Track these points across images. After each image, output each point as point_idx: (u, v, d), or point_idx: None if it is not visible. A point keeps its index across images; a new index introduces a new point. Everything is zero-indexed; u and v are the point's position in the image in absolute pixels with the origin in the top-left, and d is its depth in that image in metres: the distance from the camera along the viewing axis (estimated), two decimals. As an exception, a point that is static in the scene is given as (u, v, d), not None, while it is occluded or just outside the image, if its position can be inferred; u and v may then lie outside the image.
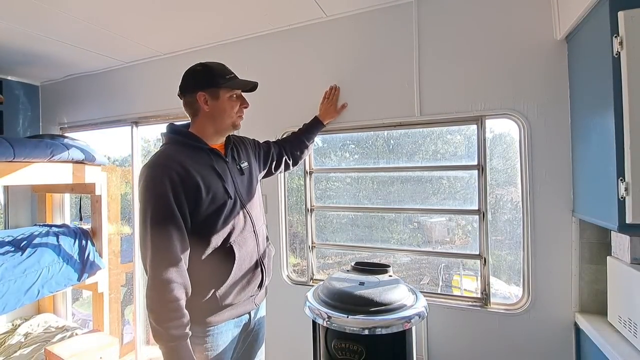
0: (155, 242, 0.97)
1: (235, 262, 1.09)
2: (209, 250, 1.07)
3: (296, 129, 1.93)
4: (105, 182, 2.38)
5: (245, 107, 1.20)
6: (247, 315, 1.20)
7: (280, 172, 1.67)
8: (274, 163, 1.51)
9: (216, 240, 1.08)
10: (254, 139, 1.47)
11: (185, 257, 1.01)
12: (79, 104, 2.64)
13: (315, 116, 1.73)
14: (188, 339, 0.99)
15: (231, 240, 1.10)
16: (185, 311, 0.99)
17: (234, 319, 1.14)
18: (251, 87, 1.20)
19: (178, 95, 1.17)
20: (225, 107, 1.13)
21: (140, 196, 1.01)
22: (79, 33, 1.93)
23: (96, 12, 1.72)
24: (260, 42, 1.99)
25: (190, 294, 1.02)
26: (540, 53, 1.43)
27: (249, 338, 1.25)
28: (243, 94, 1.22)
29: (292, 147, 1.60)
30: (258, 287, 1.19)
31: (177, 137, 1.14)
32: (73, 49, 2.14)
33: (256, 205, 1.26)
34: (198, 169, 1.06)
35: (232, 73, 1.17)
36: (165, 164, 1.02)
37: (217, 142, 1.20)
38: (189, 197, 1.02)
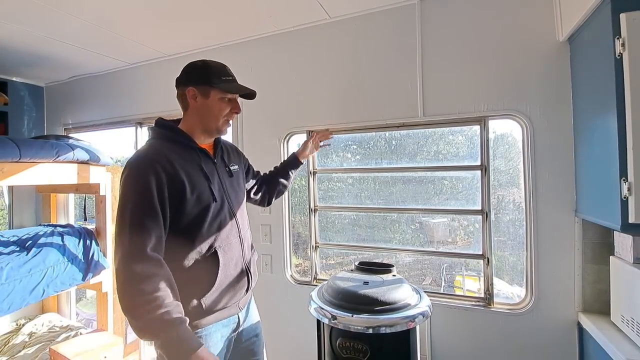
0: (133, 238, 0.89)
1: (220, 268, 1.04)
2: (193, 255, 1.02)
3: (300, 130, 1.94)
4: (109, 182, 2.39)
5: (236, 113, 1.14)
6: (236, 317, 1.15)
7: (253, 202, 1.49)
8: (255, 187, 1.44)
9: (200, 244, 1.02)
10: (243, 154, 1.41)
11: (160, 254, 0.94)
12: (83, 105, 2.66)
13: (293, 153, 1.60)
14: (187, 324, 0.89)
15: (216, 245, 1.05)
16: (174, 300, 0.90)
17: (221, 320, 1.09)
18: (247, 93, 1.15)
19: (175, 86, 1.14)
20: (213, 107, 1.08)
21: (122, 190, 0.95)
22: (83, 34, 1.95)
23: (101, 14, 1.73)
24: (264, 43, 2.01)
25: (175, 289, 0.94)
26: (543, 54, 1.44)
27: (241, 340, 1.19)
28: (241, 99, 1.18)
29: (270, 186, 1.50)
30: (245, 292, 1.15)
31: (166, 132, 1.08)
32: (78, 50, 2.16)
33: (243, 209, 1.22)
34: (184, 167, 1.02)
35: (231, 76, 1.12)
36: (151, 158, 0.97)
37: (206, 142, 1.15)
38: (173, 194, 0.97)
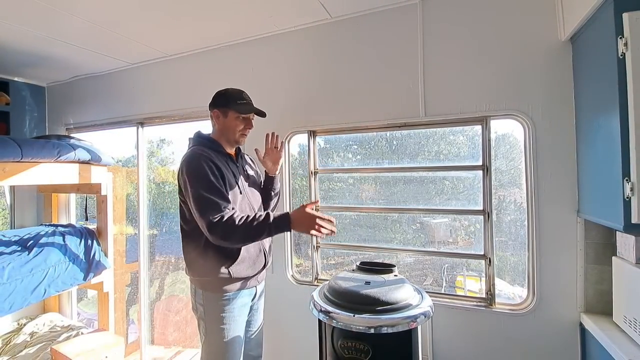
0: (211, 205, 1.22)
1: (243, 247, 1.34)
2: None
3: (301, 130, 1.95)
4: (111, 182, 2.39)
5: (249, 129, 1.46)
6: (254, 289, 1.48)
7: None
8: None
9: None
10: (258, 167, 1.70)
11: (230, 205, 1.27)
12: (84, 105, 2.67)
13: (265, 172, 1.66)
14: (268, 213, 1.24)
15: None
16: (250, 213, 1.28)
17: (244, 289, 1.41)
18: (257, 112, 1.45)
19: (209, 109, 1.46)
20: (230, 124, 1.42)
21: (187, 179, 1.27)
22: (85, 34, 1.95)
23: (102, 14, 1.74)
24: (265, 43, 2.01)
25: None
26: (545, 54, 1.44)
27: (255, 306, 1.52)
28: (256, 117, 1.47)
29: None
30: (262, 267, 1.46)
31: (203, 141, 1.43)
32: (79, 50, 2.16)
33: (259, 204, 1.56)
34: (220, 165, 1.34)
35: (245, 100, 1.43)
36: (201, 154, 1.32)
37: (230, 151, 1.48)
38: (218, 180, 1.29)
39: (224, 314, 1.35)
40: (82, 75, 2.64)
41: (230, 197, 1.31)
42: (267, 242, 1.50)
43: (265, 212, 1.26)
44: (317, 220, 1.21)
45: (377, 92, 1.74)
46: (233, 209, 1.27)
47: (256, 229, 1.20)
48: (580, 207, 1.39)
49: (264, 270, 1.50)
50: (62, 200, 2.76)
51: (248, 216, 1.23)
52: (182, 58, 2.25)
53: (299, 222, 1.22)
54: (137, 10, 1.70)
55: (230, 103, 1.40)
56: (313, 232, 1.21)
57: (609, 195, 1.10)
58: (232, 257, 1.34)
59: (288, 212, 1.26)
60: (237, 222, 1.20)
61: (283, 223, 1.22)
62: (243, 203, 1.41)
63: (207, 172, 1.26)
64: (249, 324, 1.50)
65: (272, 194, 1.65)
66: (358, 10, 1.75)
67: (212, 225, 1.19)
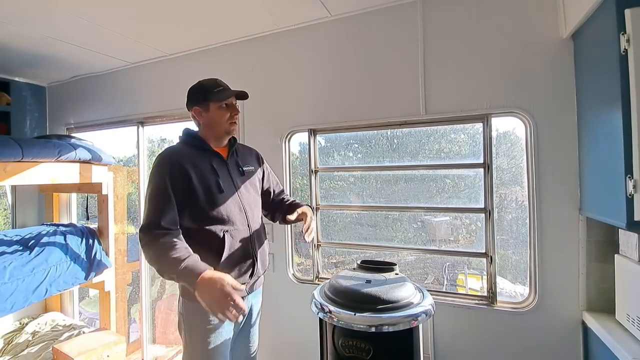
0: (153, 212, 1.15)
1: (225, 250, 1.20)
2: (203, 236, 1.20)
3: (302, 129, 1.94)
4: (111, 181, 2.39)
5: (236, 114, 1.34)
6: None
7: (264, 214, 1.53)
8: (265, 199, 1.49)
9: (210, 228, 1.21)
10: (262, 157, 1.53)
11: (175, 226, 1.17)
12: (85, 105, 2.67)
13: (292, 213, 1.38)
14: (194, 258, 1.07)
15: (224, 230, 1.23)
16: (183, 246, 1.11)
17: None
18: (238, 94, 1.32)
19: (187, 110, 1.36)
20: (215, 116, 1.30)
21: (149, 177, 1.23)
22: (85, 34, 1.95)
23: (102, 14, 1.73)
24: (265, 42, 2.00)
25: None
26: (546, 51, 1.43)
27: (246, 325, 1.37)
28: (239, 102, 1.35)
29: (274, 211, 1.51)
30: (249, 277, 1.28)
31: (188, 138, 1.34)
32: (80, 50, 2.16)
33: (253, 203, 1.37)
34: (196, 163, 1.24)
35: (222, 86, 1.32)
36: (171, 155, 1.24)
37: (220, 146, 1.36)
38: (182, 183, 1.20)
39: (203, 325, 1.21)
40: (82, 75, 2.64)
41: (209, 200, 1.21)
42: (257, 245, 1.32)
43: (188, 255, 1.07)
44: (230, 300, 0.97)
45: (378, 90, 1.73)
46: (171, 230, 1.14)
47: (168, 263, 1.06)
48: (582, 204, 1.38)
49: (255, 281, 1.33)
50: (63, 200, 2.76)
51: (174, 244, 1.09)
52: (182, 57, 2.25)
53: (206, 290, 0.98)
54: (137, 9, 1.70)
55: (208, 95, 1.28)
56: (219, 314, 0.97)
57: (612, 192, 1.10)
58: (212, 262, 1.13)
59: (202, 271, 1.02)
60: (159, 240, 1.10)
61: (189, 278, 1.02)
62: (230, 203, 1.26)
63: (166, 181, 1.17)
64: (242, 344, 1.37)
65: (281, 217, 1.47)
66: (358, 8, 1.74)
67: (141, 230, 1.14)
